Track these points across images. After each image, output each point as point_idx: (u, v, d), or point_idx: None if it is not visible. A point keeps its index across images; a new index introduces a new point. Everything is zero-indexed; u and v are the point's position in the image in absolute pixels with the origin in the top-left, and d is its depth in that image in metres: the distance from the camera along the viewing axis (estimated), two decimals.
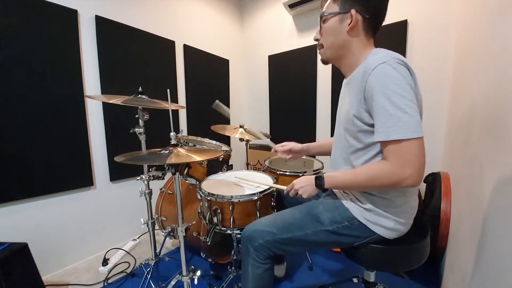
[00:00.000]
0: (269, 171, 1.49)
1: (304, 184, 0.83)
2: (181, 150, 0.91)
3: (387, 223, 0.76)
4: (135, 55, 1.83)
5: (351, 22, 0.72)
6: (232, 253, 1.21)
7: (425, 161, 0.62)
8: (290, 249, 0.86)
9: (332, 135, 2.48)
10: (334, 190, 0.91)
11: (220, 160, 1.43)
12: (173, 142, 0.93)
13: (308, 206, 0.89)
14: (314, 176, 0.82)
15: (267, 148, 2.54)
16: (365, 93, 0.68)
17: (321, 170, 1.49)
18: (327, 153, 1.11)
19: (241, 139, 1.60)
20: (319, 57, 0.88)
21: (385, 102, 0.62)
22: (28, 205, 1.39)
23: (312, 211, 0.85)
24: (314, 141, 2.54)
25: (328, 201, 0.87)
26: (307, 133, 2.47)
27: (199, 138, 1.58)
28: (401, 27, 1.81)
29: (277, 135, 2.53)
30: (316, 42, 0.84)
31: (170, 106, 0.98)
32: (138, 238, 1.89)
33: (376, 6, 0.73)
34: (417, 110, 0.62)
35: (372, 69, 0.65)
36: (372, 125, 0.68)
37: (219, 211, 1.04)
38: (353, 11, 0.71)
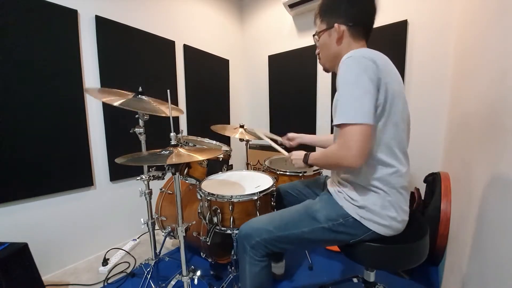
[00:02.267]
0: (269, 171, 1.50)
1: (297, 157, 0.95)
2: (181, 150, 0.91)
3: (380, 220, 0.77)
4: (135, 55, 1.83)
5: (337, 34, 0.82)
6: (232, 253, 1.21)
7: (366, 147, 0.67)
8: (287, 247, 0.87)
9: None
10: (329, 190, 0.92)
11: (220, 160, 1.43)
12: (173, 142, 0.93)
13: (305, 204, 0.90)
14: (305, 152, 0.92)
15: (267, 148, 2.54)
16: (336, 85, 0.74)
17: (321, 170, 1.49)
18: (320, 146, 1.29)
19: (241, 139, 1.60)
20: None
21: (342, 90, 0.70)
22: (28, 205, 1.39)
23: (309, 209, 0.87)
24: None
25: (325, 199, 0.88)
26: (307, 133, 2.46)
27: (199, 138, 1.58)
28: (401, 27, 1.81)
29: (277, 134, 2.53)
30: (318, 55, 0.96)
31: (170, 106, 0.98)
32: (138, 238, 1.89)
33: (357, 13, 0.81)
34: (371, 101, 0.67)
35: (341, 62, 0.72)
36: None
37: (219, 211, 1.04)
38: (336, 25, 0.81)
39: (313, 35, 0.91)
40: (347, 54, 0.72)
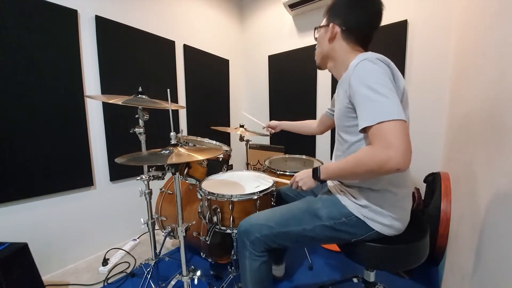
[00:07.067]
0: (269, 171, 1.49)
1: (303, 176, 0.87)
2: (181, 150, 0.91)
3: (383, 220, 0.77)
4: (135, 55, 1.83)
5: (330, 33, 0.83)
6: (232, 253, 1.21)
7: (410, 145, 0.60)
8: (286, 244, 0.87)
9: (331, 135, 2.48)
10: (330, 188, 0.92)
11: (220, 160, 1.43)
12: (173, 142, 0.93)
13: (306, 202, 0.90)
14: (312, 168, 0.85)
15: (267, 148, 2.54)
16: (350, 89, 0.71)
17: None
18: (301, 131, 1.40)
19: (241, 139, 1.60)
20: None
21: (367, 91, 0.65)
22: (28, 205, 1.39)
23: (310, 207, 0.87)
24: (314, 140, 2.54)
25: (327, 198, 0.88)
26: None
27: (199, 138, 1.58)
28: (401, 27, 1.81)
29: (277, 134, 2.53)
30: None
31: (170, 106, 0.98)
32: (138, 238, 1.89)
33: (354, 19, 0.81)
34: (398, 97, 0.65)
35: (355, 65, 0.70)
36: None
37: (218, 210, 1.04)
38: (331, 24, 0.83)
39: (315, 28, 0.91)
40: (360, 56, 0.71)
